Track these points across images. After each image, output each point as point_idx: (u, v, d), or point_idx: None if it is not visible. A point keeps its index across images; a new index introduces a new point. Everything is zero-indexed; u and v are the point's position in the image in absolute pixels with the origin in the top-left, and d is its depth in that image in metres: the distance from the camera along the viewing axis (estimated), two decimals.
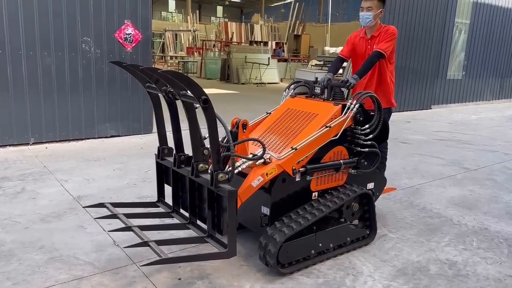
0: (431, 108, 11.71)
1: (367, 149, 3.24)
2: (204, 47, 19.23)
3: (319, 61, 15.57)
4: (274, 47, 25.14)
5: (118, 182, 4.60)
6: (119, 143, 6.42)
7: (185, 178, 2.83)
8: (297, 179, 2.97)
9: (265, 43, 25.49)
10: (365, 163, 3.31)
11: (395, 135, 7.24)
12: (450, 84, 12.17)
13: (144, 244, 2.49)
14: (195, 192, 2.77)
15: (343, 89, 3.44)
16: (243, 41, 25.43)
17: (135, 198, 4.13)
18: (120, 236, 3.24)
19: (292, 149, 2.87)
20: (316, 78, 3.53)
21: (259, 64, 14.73)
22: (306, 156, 2.95)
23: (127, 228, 2.72)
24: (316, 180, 3.10)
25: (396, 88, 10.21)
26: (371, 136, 3.24)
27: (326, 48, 14.60)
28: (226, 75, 15.72)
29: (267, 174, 2.76)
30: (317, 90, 3.38)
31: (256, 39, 26.50)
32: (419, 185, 4.93)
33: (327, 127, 3.03)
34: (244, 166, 2.75)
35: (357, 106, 3.10)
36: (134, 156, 5.72)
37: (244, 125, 2.84)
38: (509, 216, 4.09)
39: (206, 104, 2.33)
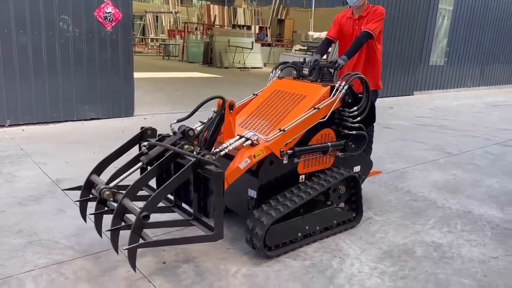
0: (413, 94, 11.80)
1: (355, 132, 3.21)
2: (186, 30, 18.87)
3: (303, 46, 15.47)
4: (257, 31, 24.88)
5: None
6: (99, 126, 6.25)
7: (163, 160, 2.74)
8: (285, 161, 2.91)
9: (248, 27, 25.20)
10: (353, 146, 3.28)
11: (378, 121, 7.22)
12: (433, 70, 12.26)
13: (127, 227, 2.41)
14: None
15: (331, 70, 3.38)
16: (225, 24, 25.06)
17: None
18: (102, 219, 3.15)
19: (280, 130, 2.81)
20: (304, 59, 3.46)
21: (243, 48, 14.56)
22: (294, 138, 2.90)
23: (109, 211, 2.63)
24: (304, 163, 3.06)
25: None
26: (359, 118, 3.21)
27: (310, 33, 14.49)
28: (209, 58, 15.48)
29: (254, 156, 2.69)
30: (305, 71, 3.32)
31: (239, 23, 26.15)
32: (403, 169, 4.95)
33: (315, 108, 2.97)
34: (230, 147, 2.67)
35: (346, 87, 3.05)
36: (115, 139, 5.56)
37: (231, 106, 2.76)
38: (491, 199, 4.14)
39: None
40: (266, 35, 25.13)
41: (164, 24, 26.12)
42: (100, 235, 2.71)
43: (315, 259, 2.85)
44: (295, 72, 3.69)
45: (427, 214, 3.70)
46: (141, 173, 2.72)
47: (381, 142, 6.06)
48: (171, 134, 2.77)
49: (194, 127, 2.83)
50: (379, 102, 9.29)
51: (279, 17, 26.28)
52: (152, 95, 8.69)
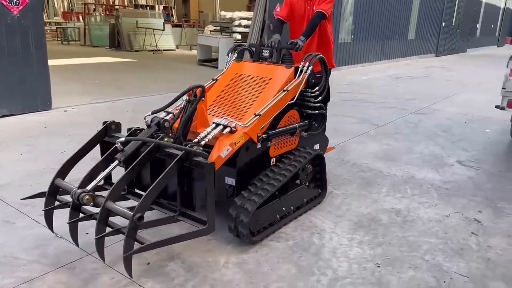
0: None
1: (317, 111, 3.30)
2: (85, 12, 17.45)
3: (215, 26, 15.27)
4: (161, 11, 23.91)
5: (33, 167, 4.02)
6: (16, 123, 5.58)
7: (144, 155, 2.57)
8: (259, 146, 2.90)
9: (152, 7, 24.10)
10: (315, 125, 3.37)
11: None
12: (342, 47, 12.95)
13: (116, 232, 2.23)
14: (159, 169, 2.54)
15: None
16: (126, 4, 23.66)
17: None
18: (60, 227, 2.87)
19: (256, 115, 2.78)
20: (261, 40, 3.43)
21: (153, 29, 13.91)
22: (267, 122, 2.89)
23: (87, 217, 2.40)
24: (274, 146, 3.07)
25: None
26: (320, 98, 3.30)
27: (223, 13, 14.30)
28: (116, 42, 14.55)
29: (235, 143, 2.64)
30: (265, 53, 3.29)
31: (140, 3, 24.87)
32: (343, 143, 5.22)
33: (284, 90, 2.98)
34: (210, 136, 2.58)
35: (310, 68, 3.10)
36: (39, 136, 5.04)
37: (203, 93, 2.66)
38: (425, 164, 4.57)
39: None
40: (172, 15, 24.30)
41: (56, 6, 23.83)
42: (77, 244, 2.48)
43: (296, 238, 2.92)
44: (249, 54, 3.66)
45: (378, 183, 3.97)
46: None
47: None
48: (145, 126, 2.59)
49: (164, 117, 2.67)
50: None
51: None
52: (66, 85, 7.96)
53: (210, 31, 13.94)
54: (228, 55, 3.51)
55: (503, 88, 4.62)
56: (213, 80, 3.36)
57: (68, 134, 5.08)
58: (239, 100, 3.07)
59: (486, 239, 3.00)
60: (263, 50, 3.30)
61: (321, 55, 3.21)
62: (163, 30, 14.30)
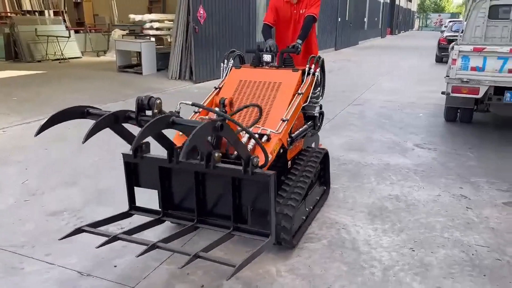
0: None
1: (320, 111, 3.40)
2: None
3: (123, 29, 14.52)
4: (51, 16, 21.98)
5: (1, 205, 3.50)
6: None
7: (186, 174, 2.43)
8: (281, 150, 2.91)
9: (40, 13, 22.03)
10: (318, 124, 3.47)
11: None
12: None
13: (195, 257, 2.08)
14: (207, 186, 2.42)
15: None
16: (8, 10, 21.30)
17: (45, 217, 3.26)
18: (81, 263, 2.60)
19: (283, 120, 2.78)
20: (258, 45, 3.43)
21: (57, 37, 12.74)
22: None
23: (153, 247, 2.20)
24: (290, 149, 3.10)
25: (213, 56, 10.47)
26: (321, 98, 3.40)
27: (132, 16, 13.59)
28: (14, 53, 13.04)
29: (274, 150, 2.62)
30: (267, 58, 3.29)
31: (26, 8, 22.59)
32: None
33: (299, 94, 3.02)
34: (250, 147, 2.53)
35: (318, 70, 3.18)
36: None
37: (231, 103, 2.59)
38: (391, 150, 4.96)
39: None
40: (64, 20, 22.48)
41: None
42: None
43: (327, 236, 3.00)
44: (239, 60, 3.61)
45: (364, 173, 4.22)
46: None
47: None
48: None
49: None
50: None
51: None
52: None
53: (123, 35, 13.21)
54: (223, 62, 3.43)
55: (447, 76, 5.19)
56: (216, 88, 3.26)
57: (18, 160, 4.51)
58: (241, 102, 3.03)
59: (480, 212, 3.38)
60: (264, 55, 3.30)
61: (322, 57, 3.31)
62: (69, 37, 13.18)
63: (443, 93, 5.29)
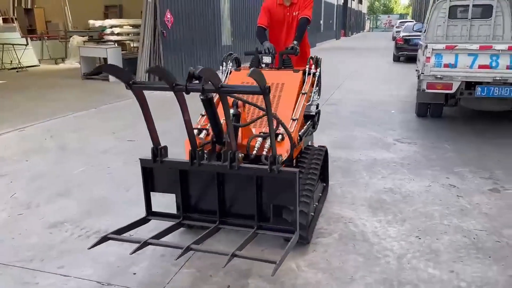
0: None
1: (316, 110, 3.50)
2: None
3: (83, 35, 14.10)
4: (1, 23, 20.94)
5: None
6: None
7: (207, 175, 2.44)
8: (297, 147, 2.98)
9: None
10: (317, 122, 3.57)
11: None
12: (225, 50, 13.28)
13: (232, 257, 2.09)
14: (229, 187, 2.44)
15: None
16: None
17: (46, 229, 3.15)
18: (99, 273, 2.55)
19: (293, 119, 2.85)
20: (257, 48, 3.48)
21: (13, 45, 12.15)
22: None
23: (187, 250, 2.18)
24: (296, 148, 3.17)
25: (182, 60, 10.38)
26: (318, 96, 3.50)
27: (91, 21, 13.18)
28: None
29: (287, 150, 2.68)
30: (267, 59, 3.35)
31: None
32: None
33: (303, 93, 3.10)
34: (267, 146, 2.58)
35: (319, 70, 3.28)
36: None
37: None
38: (375, 146, 5.15)
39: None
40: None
41: None
42: None
43: (336, 230, 3.09)
44: (235, 63, 3.65)
45: (355, 169, 4.37)
46: None
47: None
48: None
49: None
50: None
51: (24, 6, 22.72)
52: None
53: (84, 41, 12.81)
54: (222, 64, 3.46)
55: (422, 73, 5.46)
56: None
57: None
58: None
59: (471, 199, 3.60)
60: (264, 57, 3.35)
61: (320, 57, 3.42)
62: (27, 44, 12.62)
63: (418, 89, 5.56)
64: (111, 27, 13.16)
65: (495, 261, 2.69)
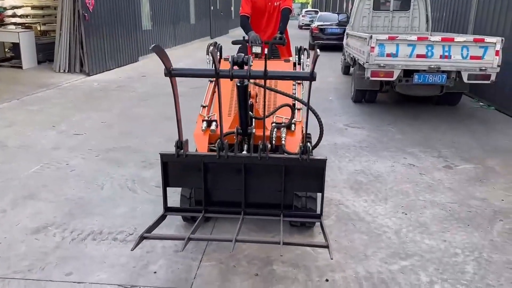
0: (138, 60, 11.99)
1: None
2: None
3: None
4: None
5: None
6: None
7: (232, 167, 2.42)
8: None
9: None
10: None
11: (158, 90, 7.31)
12: (146, 34, 12.72)
13: (283, 244, 2.12)
14: (255, 178, 2.44)
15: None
16: None
17: (29, 235, 2.84)
18: (117, 276, 2.40)
19: (298, 109, 2.92)
20: (244, 37, 3.45)
21: None
22: None
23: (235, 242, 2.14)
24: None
25: (104, 44, 9.79)
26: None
27: None
28: None
29: (300, 139, 2.75)
30: (257, 50, 3.34)
31: None
32: None
33: (299, 83, 3.18)
34: (284, 135, 2.63)
35: (308, 60, 3.36)
36: None
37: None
38: (330, 131, 5.37)
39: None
40: None
41: None
42: None
43: (332, 212, 3.26)
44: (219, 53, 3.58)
45: (322, 153, 4.56)
46: None
47: None
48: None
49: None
50: (130, 76, 9.14)
51: None
52: None
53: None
54: (208, 54, 3.37)
55: (366, 62, 5.84)
56: (211, 81, 3.22)
57: None
58: (259, 96, 3.09)
59: (432, 176, 4.03)
60: (254, 47, 3.34)
61: (305, 47, 3.51)
62: None
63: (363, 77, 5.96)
64: (12, 8, 11.77)
65: (474, 228, 3.07)
